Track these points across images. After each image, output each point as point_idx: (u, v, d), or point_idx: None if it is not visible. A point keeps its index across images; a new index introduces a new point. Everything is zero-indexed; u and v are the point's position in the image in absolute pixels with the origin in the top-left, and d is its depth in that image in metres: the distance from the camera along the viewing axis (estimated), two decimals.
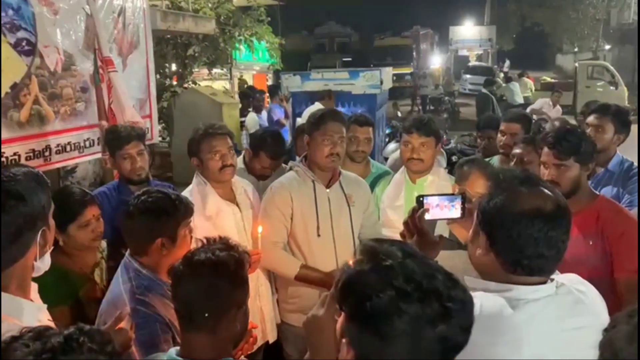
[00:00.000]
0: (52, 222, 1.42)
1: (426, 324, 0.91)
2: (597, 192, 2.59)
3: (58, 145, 3.73)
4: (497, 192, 1.40)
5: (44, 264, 1.42)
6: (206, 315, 1.38)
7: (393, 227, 2.90)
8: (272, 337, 2.88)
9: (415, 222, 1.73)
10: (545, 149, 2.37)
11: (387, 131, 8.86)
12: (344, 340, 1.00)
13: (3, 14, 3.24)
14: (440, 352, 0.93)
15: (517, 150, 3.09)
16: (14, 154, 3.33)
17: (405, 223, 1.77)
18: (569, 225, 1.37)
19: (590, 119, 3.28)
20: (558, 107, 11.16)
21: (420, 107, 18.91)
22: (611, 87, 17.32)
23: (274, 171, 3.36)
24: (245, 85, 12.20)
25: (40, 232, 1.36)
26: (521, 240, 1.33)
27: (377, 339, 0.92)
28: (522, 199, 1.36)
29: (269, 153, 3.35)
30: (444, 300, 0.92)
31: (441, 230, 2.28)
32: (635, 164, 3.21)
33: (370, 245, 1.04)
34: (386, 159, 6.39)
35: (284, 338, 2.90)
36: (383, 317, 0.91)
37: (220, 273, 1.40)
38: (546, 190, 1.39)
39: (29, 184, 1.33)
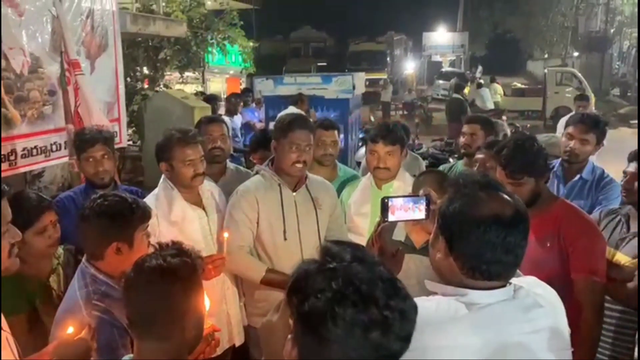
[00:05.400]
0: None
1: (360, 329, 0.90)
2: (560, 197, 2.64)
3: (24, 149, 3.67)
4: (456, 197, 1.40)
5: None
6: (157, 322, 1.36)
7: (359, 234, 2.92)
8: (238, 341, 2.88)
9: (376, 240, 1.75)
10: (499, 168, 2.36)
11: (361, 136, 8.91)
12: (289, 336, 1.01)
13: None
14: (375, 359, 0.93)
15: (479, 155, 3.12)
16: None
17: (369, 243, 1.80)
18: (527, 231, 1.37)
19: (575, 131, 3.14)
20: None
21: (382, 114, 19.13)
22: (579, 94, 17.67)
23: (224, 145, 3.28)
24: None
25: None
26: (479, 246, 1.32)
27: (314, 340, 0.93)
28: (480, 204, 1.35)
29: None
30: (381, 308, 0.92)
31: (398, 234, 2.30)
32: (606, 172, 3.23)
33: (328, 246, 1.03)
34: (358, 163, 6.45)
35: (250, 341, 2.90)
36: (319, 319, 0.91)
37: (172, 279, 1.37)
38: (505, 196, 1.39)
39: None
